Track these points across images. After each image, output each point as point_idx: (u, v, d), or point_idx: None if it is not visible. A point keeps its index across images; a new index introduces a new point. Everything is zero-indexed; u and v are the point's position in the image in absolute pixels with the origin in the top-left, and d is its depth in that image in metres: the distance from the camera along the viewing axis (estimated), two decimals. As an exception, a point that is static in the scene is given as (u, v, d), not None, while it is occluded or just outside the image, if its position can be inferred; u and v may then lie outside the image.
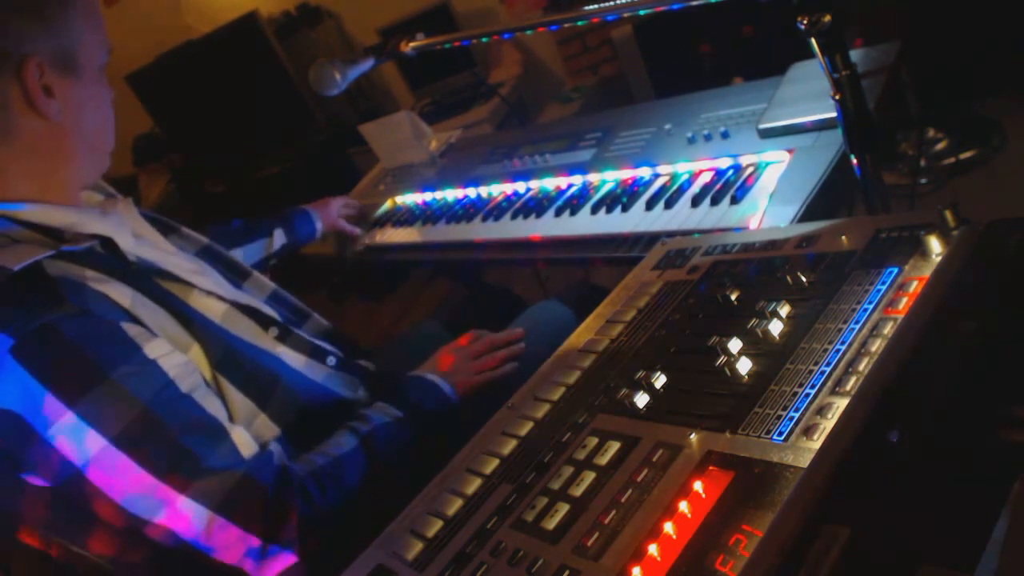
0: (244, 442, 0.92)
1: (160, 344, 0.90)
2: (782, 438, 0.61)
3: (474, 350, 1.21)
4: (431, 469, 0.84)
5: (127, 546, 0.93)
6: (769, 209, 1.10)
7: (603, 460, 0.70)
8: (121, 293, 0.90)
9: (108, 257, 0.96)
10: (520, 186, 1.62)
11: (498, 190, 1.67)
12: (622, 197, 1.34)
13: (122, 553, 0.93)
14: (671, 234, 1.17)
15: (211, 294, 1.04)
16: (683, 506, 0.60)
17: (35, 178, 0.94)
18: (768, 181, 1.17)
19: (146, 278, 0.98)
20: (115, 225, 1.01)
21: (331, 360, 1.17)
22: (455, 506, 0.75)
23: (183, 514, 0.85)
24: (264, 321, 1.09)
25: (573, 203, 1.42)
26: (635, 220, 1.27)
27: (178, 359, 0.92)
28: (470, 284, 2.17)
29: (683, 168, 1.33)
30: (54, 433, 0.81)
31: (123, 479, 0.83)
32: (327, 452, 1.00)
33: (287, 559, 0.89)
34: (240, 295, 1.13)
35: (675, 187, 1.28)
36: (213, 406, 0.93)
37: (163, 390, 0.87)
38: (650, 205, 1.28)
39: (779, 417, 0.63)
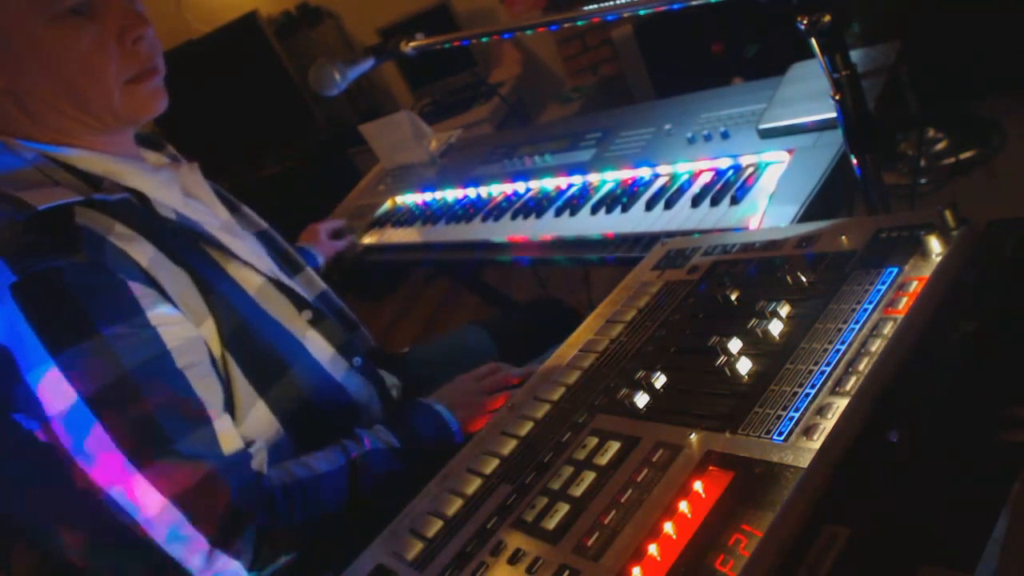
0: (227, 436, 0.89)
1: (167, 312, 0.88)
2: (782, 438, 0.61)
3: (489, 385, 1.13)
4: (430, 470, 0.84)
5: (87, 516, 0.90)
6: (769, 209, 1.10)
7: (603, 460, 0.70)
8: (143, 252, 0.89)
9: (141, 211, 0.94)
10: (520, 186, 1.62)
11: (498, 190, 1.67)
12: (622, 197, 1.34)
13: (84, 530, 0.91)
14: (671, 234, 1.16)
15: (249, 265, 1.02)
16: (683, 506, 0.60)
17: (58, 130, 0.93)
18: (768, 181, 1.17)
19: (184, 237, 0.96)
20: (161, 182, 1.00)
21: (357, 360, 1.14)
22: (455, 506, 0.75)
23: (136, 492, 0.82)
24: (300, 302, 1.07)
25: (573, 203, 1.42)
26: (635, 220, 1.27)
27: (185, 332, 0.89)
28: (504, 304, 2.14)
29: (683, 168, 1.33)
30: (34, 377, 0.80)
31: (86, 440, 0.81)
32: (309, 465, 0.95)
33: (234, 570, 0.86)
34: (282, 276, 1.11)
35: (675, 187, 1.28)
36: (207, 389, 0.90)
37: (153, 360, 0.85)
38: (650, 205, 1.28)
39: (779, 417, 0.63)
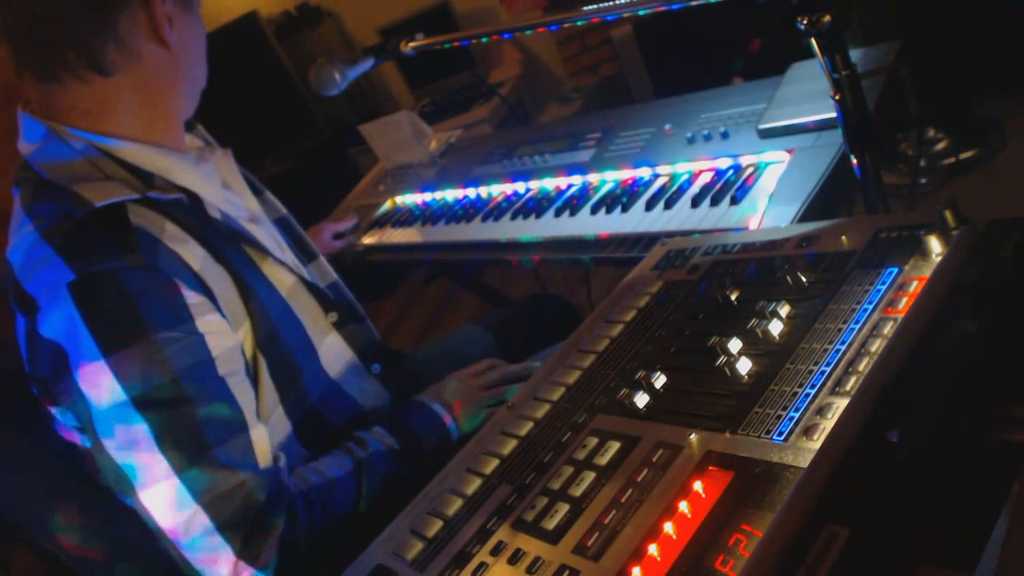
0: (261, 447, 0.90)
1: (214, 321, 0.89)
2: (782, 438, 0.61)
3: (487, 381, 1.14)
4: (431, 470, 0.84)
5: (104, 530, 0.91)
6: (769, 209, 1.10)
7: (603, 460, 0.70)
8: (193, 254, 0.90)
9: (192, 210, 0.95)
10: (520, 186, 1.62)
11: (498, 190, 1.67)
12: (622, 197, 1.34)
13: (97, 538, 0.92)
14: (671, 234, 1.16)
15: (283, 264, 1.03)
16: (683, 506, 0.60)
17: (143, 111, 0.94)
18: (768, 181, 1.17)
19: (227, 238, 0.97)
20: (205, 176, 1.01)
21: (375, 367, 1.14)
22: (455, 506, 0.75)
23: (169, 496, 0.82)
24: (327, 304, 1.07)
25: (573, 203, 1.41)
26: (635, 220, 1.27)
27: (227, 340, 0.90)
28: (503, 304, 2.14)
29: (683, 168, 1.33)
30: (84, 373, 0.81)
31: (127, 438, 0.82)
32: (321, 471, 0.97)
33: None
34: (305, 273, 1.12)
35: (675, 187, 1.28)
36: (244, 396, 0.91)
37: (200, 366, 0.86)
38: (650, 205, 1.28)
39: (779, 417, 0.63)
